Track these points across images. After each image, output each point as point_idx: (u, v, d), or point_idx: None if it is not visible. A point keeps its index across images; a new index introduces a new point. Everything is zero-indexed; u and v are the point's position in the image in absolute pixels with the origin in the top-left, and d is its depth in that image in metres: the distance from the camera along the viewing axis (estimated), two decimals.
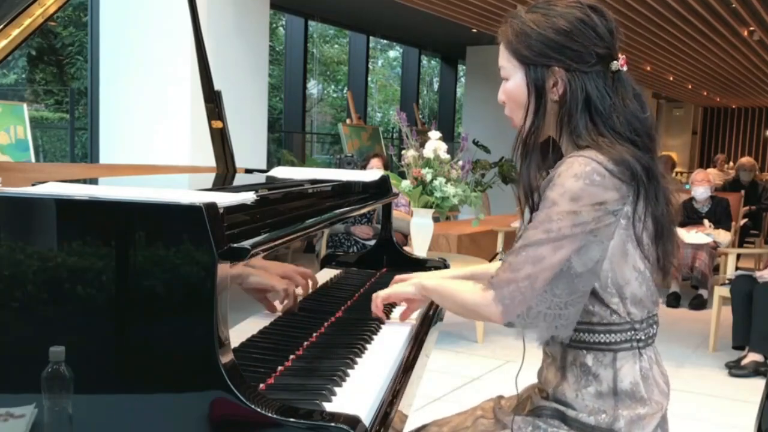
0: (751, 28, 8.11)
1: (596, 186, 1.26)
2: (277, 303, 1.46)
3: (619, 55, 1.37)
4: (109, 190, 1.24)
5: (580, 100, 1.34)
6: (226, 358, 1.05)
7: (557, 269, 1.28)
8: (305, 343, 1.44)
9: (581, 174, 1.26)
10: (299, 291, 1.59)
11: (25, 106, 4.96)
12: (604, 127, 1.34)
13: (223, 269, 1.07)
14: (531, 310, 1.31)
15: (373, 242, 2.30)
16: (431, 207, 4.22)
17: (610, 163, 1.28)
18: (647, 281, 1.37)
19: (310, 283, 1.69)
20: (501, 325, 1.36)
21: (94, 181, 1.70)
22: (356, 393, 1.21)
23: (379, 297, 1.63)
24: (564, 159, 1.32)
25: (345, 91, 12.97)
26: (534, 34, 1.35)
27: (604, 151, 1.30)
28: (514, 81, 1.39)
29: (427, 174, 4.13)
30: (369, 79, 11.78)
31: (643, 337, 1.39)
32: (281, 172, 2.17)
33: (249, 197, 1.26)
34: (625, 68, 1.38)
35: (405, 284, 1.61)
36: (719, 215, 6.27)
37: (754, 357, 4.20)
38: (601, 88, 1.35)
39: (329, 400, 1.15)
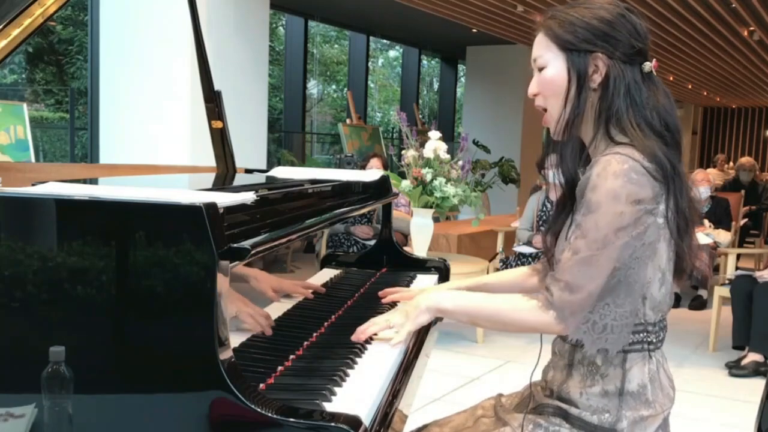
0: (751, 28, 8.10)
1: (634, 184, 1.28)
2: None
3: (652, 59, 1.42)
4: (109, 190, 1.24)
5: (622, 86, 1.37)
6: (226, 358, 1.05)
7: (612, 279, 1.30)
8: (305, 343, 1.44)
9: (620, 172, 1.28)
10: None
11: (25, 105, 4.95)
12: (639, 117, 1.36)
13: (223, 269, 1.06)
14: (596, 325, 1.32)
15: (373, 242, 2.30)
16: (431, 207, 4.22)
17: (646, 160, 1.30)
18: (667, 283, 1.38)
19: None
20: None
21: (94, 181, 1.70)
22: (356, 393, 1.21)
23: (375, 327, 1.47)
24: (599, 158, 1.32)
25: (345, 91, 12.97)
26: (578, 22, 1.39)
27: (638, 147, 1.31)
28: (553, 68, 1.40)
29: (427, 174, 4.13)
30: (369, 79, 11.77)
31: (654, 340, 1.39)
32: (281, 172, 2.17)
33: (249, 197, 1.26)
34: (654, 72, 1.41)
35: (417, 312, 1.45)
36: (719, 215, 6.27)
37: (754, 357, 4.20)
38: (638, 80, 1.38)
39: (329, 400, 1.15)
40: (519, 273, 1.70)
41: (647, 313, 1.37)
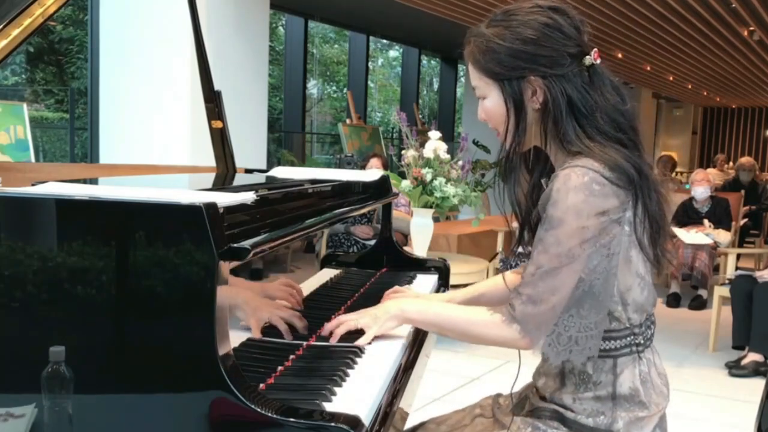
0: (751, 28, 8.10)
1: (596, 196, 1.25)
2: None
3: (592, 49, 1.35)
4: (109, 190, 1.24)
5: (563, 104, 1.31)
6: (226, 358, 1.05)
7: (576, 290, 1.28)
8: (305, 343, 1.44)
9: (580, 186, 1.24)
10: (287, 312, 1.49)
11: (25, 106, 4.95)
12: (590, 128, 1.32)
13: (223, 269, 1.06)
14: (561, 336, 1.31)
15: (373, 242, 2.30)
16: (431, 207, 4.23)
17: (606, 169, 1.26)
18: (648, 286, 1.37)
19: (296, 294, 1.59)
20: None
21: (94, 181, 1.70)
22: (356, 393, 1.21)
23: (345, 326, 1.44)
24: (559, 172, 1.29)
25: (345, 91, 12.96)
26: (502, 49, 1.33)
27: (597, 156, 1.28)
28: (491, 99, 1.37)
29: (427, 174, 4.14)
30: (369, 79, 11.77)
31: (642, 341, 1.38)
32: (281, 172, 2.17)
33: (249, 197, 1.26)
34: (598, 61, 1.35)
35: (385, 317, 1.45)
36: (719, 215, 6.27)
37: (754, 357, 4.20)
38: (580, 88, 1.32)
39: (329, 400, 1.15)
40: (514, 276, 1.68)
41: (632, 317, 1.35)
